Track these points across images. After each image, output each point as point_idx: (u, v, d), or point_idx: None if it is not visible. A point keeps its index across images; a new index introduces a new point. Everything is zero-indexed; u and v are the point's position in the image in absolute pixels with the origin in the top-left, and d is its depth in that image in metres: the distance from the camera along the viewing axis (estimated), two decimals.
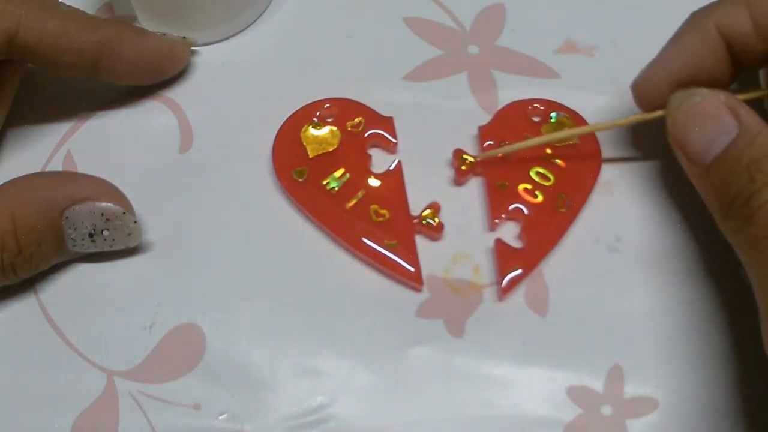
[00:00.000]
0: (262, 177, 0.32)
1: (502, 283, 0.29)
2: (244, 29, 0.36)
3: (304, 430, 0.27)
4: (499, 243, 0.30)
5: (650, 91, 0.29)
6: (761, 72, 0.31)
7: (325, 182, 0.31)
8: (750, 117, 0.25)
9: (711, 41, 0.28)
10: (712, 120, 0.26)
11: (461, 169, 0.31)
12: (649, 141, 0.32)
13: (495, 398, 0.28)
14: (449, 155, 0.32)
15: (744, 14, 0.27)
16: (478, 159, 0.31)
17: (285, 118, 0.32)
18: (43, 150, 0.33)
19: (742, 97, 0.27)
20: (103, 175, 0.30)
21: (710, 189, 0.26)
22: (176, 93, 0.34)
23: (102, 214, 0.28)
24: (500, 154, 0.31)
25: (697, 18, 0.28)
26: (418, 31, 0.35)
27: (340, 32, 0.36)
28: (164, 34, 0.33)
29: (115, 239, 0.29)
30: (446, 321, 0.29)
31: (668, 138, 0.27)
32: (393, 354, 0.29)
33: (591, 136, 0.32)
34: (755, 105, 0.27)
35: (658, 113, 0.28)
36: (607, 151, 0.32)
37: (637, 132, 0.33)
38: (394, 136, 0.32)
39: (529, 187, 0.31)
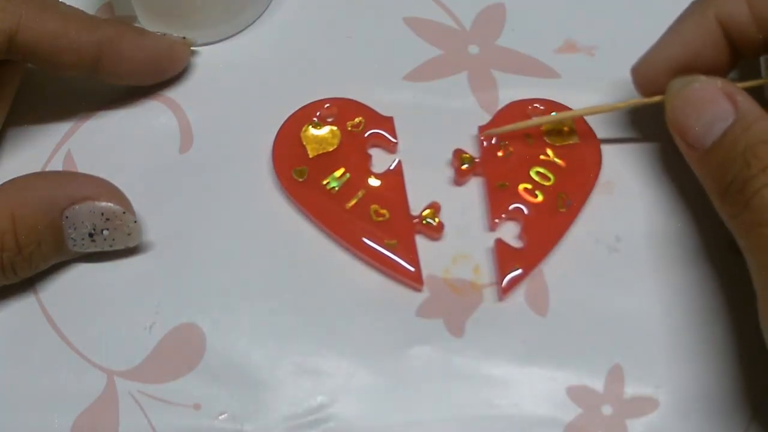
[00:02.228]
0: (262, 177, 0.32)
1: (502, 283, 0.29)
2: (244, 29, 0.36)
3: (304, 430, 0.27)
4: (499, 243, 0.30)
5: (649, 76, 0.29)
6: (762, 60, 0.31)
7: (325, 182, 0.31)
8: (747, 103, 0.25)
9: (710, 29, 0.28)
10: (710, 106, 0.26)
11: (461, 169, 0.31)
12: (650, 141, 0.32)
13: (495, 398, 0.28)
14: (449, 155, 0.32)
15: (743, 4, 0.28)
16: (483, 136, 0.31)
17: (285, 118, 0.32)
18: (43, 150, 0.33)
19: (741, 85, 0.27)
20: (103, 175, 0.30)
21: (708, 174, 0.26)
22: (176, 93, 0.34)
23: (102, 214, 0.28)
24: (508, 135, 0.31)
25: (696, 6, 0.29)
26: (418, 31, 0.35)
27: (340, 32, 0.36)
28: (164, 34, 0.33)
29: (115, 239, 0.29)
30: (446, 321, 0.29)
31: (667, 123, 0.28)
32: (393, 354, 0.29)
33: (591, 136, 0.32)
34: (756, 94, 0.27)
35: (657, 98, 0.29)
36: (607, 151, 0.32)
37: (637, 132, 0.33)
38: (394, 136, 0.32)
39: (529, 187, 0.31)
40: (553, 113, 0.32)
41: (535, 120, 0.31)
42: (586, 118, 0.32)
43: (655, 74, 0.29)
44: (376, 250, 0.30)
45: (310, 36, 0.36)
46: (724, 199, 0.25)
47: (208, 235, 0.31)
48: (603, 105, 0.32)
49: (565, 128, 0.32)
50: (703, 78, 0.27)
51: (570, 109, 0.32)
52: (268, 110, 0.33)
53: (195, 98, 0.34)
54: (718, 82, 0.26)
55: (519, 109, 0.33)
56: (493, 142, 0.32)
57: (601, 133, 0.32)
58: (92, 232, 0.29)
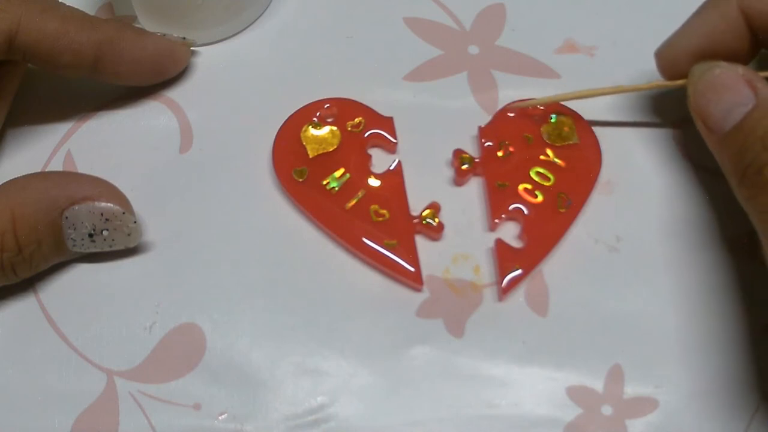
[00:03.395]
0: (262, 177, 0.32)
1: (502, 283, 0.29)
2: (244, 29, 0.36)
3: (304, 430, 0.27)
4: (499, 243, 0.30)
5: (673, 60, 0.30)
6: None
7: (325, 182, 0.31)
8: (767, 90, 0.26)
9: (732, 18, 0.28)
10: (730, 91, 0.27)
11: (461, 169, 0.31)
12: (650, 141, 0.33)
13: (495, 398, 0.28)
14: (449, 155, 0.32)
15: None
16: (511, 108, 0.32)
17: (285, 118, 0.32)
18: (43, 150, 0.33)
19: (762, 74, 0.27)
20: (103, 175, 0.30)
21: (727, 157, 0.27)
22: (176, 93, 0.34)
23: (101, 214, 0.28)
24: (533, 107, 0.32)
25: None
26: (418, 31, 0.35)
27: (340, 32, 0.36)
28: (164, 35, 0.33)
29: (114, 239, 0.29)
30: (446, 321, 0.29)
31: (689, 106, 0.28)
32: (393, 354, 0.29)
33: (591, 136, 0.32)
34: None
35: (680, 82, 0.30)
36: (607, 151, 0.32)
37: (637, 132, 0.33)
38: (394, 136, 0.32)
39: (529, 187, 0.31)
40: (574, 92, 0.32)
41: (568, 94, 0.31)
42: (585, 118, 0.32)
43: (678, 59, 0.30)
44: (376, 250, 0.30)
45: (311, 36, 0.36)
46: (742, 182, 0.26)
47: (208, 235, 0.31)
48: (627, 85, 0.32)
49: (565, 128, 0.32)
50: (724, 64, 0.27)
51: (569, 108, 0.32)
52: (268, 110, 0.33)
53: (195, 98, 0.34)
54: (739, 69, 0.27)
55: (519, 108, 0.32)
56: (492, 143, 0.32)
57: (601, 133, 0.32)
58: (92, 232, 0.29)
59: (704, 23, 0.29)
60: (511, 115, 0.32)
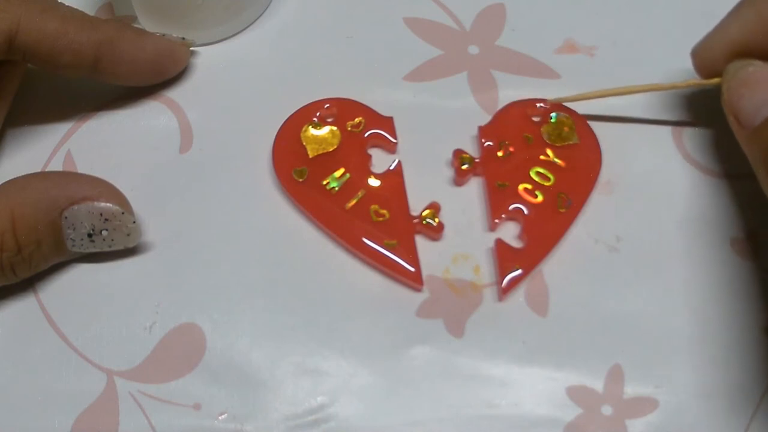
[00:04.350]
0: (262, 177, 0.32)
1: (502, 283, 0.29)
2: (243, 29, 0.36)
3: (304, 430, 0.27)
4: (499, 243, 0.30)
5: (708, 59, 0.30)
6: None
7: (325, 182, 0.31)
8: None
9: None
10: (762, 87, 0.27)
11: (461, 169, 0.31)
12: (650, 141, 0.32)
13: (495, 398, 0.28)
14: (449, 155, 0.32)
15: None
16: (549, 104, 0.32)
17: (285, 118, 0.32)
18: (43, 150, 0.33)
19: None
20: (103, 175, 0.29)
21: (754, 151, 0.27)
22: (176, 93, 0.34)
23: (101, 214, 0.28)
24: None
25: None
26: (418, 31, 0.35)
27: (340, 32, 0.36)
28: (164, 35, 0.33)
29: (114, 239, 0.29)
30: (446, 321, 0.29)
31: (722, 103, 0.29)
32: (393, 354, 0.29)
33: (591, 136, 0.32)
34: None
35: (715, 80, 0.30)
36: (607, 151, 0.32)
37: (638, 131, 0.33)
38: (394, 136, 0.32)
39: (529, 187, 0.31)
40: (622, 87, 0.32)
41: (607, 90, 0.31)
42: (585, 118, 0.32)
43: (713, 58, 0.30)
44: (376, 250, 0.30)
45: (311, 36, 0.36)
46: None
47: (208, 235, 0.31)
48: (662, 84, 0.32)
49: (565, 128, 0.32)
50: (759, 62, 0.28)
51: (569, 108, 0.32)
52: (268, 110, 0.33)
53: (195, 98, 0.34)
54: None
55: (519, 109, 0.32)
56: (492, 143, 0.32)
57: (601, 133, 0.32)
58: (91, 232, 0.29)
59: (740, 22, 0.29)
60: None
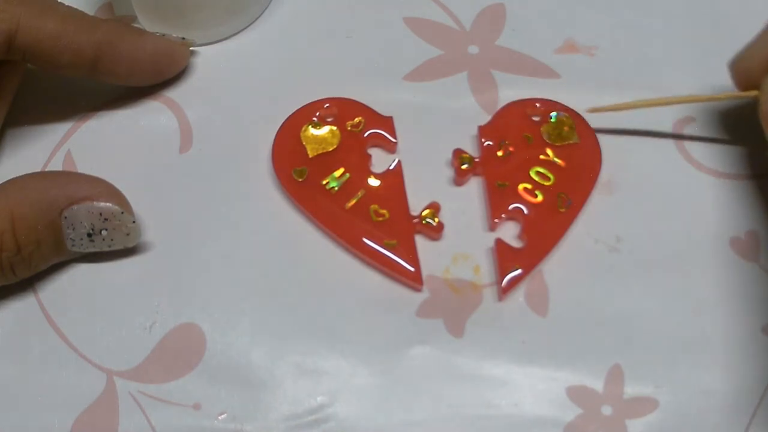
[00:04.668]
0: (262, 177, 0.32)
1: (502, 283, 0.29)
2: (243, 29, 0.36)
3: (304, 430, 0.27)
4: (499, 243, 0.30)
5: (746, 71, 0.30)
6: None
7: (325, 182, 0.31)
8: None
9: None
10: None
11: (461, 169, 0.31)
12: (650, 141, 0.32)
13: (495, 398, 0.28)
14: (449, 155, 0.32)
15: None
16: (589, 112, 0.32)
17: (285, 118, 0.32)
18: (43, 150, 0.33)
19: None
20: (103, 175, 0.29)
21: None
22: (176, 93, 0.34)
23: (100, 214, 0.28)
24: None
25: None
26: (418, 31, 0.35)
27: (340, 32, 0.36)
28: (164, 35, 0.33)
29: (113, 239, 0.29)
30: (446, 321, 0.29)
31: (759, 116, 0.28)
32: (393, 354, 0.29)
33: (591, 136, 0.32)
34: None
35: (753, 93, 0.29)
36: (607, 151, 0.32)
37: (637, 132, 0.33)
38: (394, 136, 0.32)
39: (529, 187, 0.31)
40: (656, 98, 0.32)
41: (644, 101, 0.31)
42: (585, 117, 0.32)
43: (751, 70, 0.30)
44: (376, 250, 0.30)
45: (310, 36, 0.36)
46: None
47: (207, 235, 0.31)
48: (700, 95, 0.32)
49: (565, 128, 0.32)
50: None
51: (569, 108, 0.32)
52: (268, 110, 0.33)
53: (195, 98, 0.34)
54: None
55: (519, 109, 0.32)
56: (492, 143, 0.32)
57: (601, 133, 0.32)
58: (91, 232, 0.29)
59: None
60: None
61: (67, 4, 0.31)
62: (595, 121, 0.32)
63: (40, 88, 0.34)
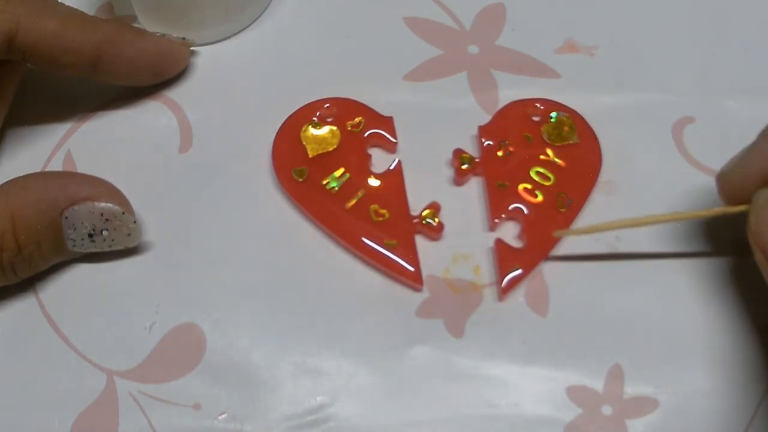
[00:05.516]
0: (262, 177, 0.32)
1: (502, 283, 0.29)
2: (244, 29, 0.36)
3: (304, 430, 0.27)
4: (499, 243, 0.30)
5: (735, 184, 0.27)
6: None
7: (325, 182, 0.31)
8: None
9: None
10: None
11: (461, 169, 0.31)
12: (650, 141, 0.32)
13: (495, 398, 0.28)
14: (449, 155, 0.32)
15: None
16: (555, 236, 0.30)
17: (285, 118, 0.32)
18: (43, 150, 0.33)
19: None
20: (103, 175, 0.29)
21: None
22: (176, 93, 0.34)
23: (101, 214, 0.28)
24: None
25: None
26: (418, 31, 0.35)
27: (340, 32, 0.36)
28: (164, 35, 0.33)
29: (114, 239, 0.29)
30: (446, 321, 0.29)
31: (748, 234, 0.26)
32: (393, 354, 0.29)
33: (591, 136, 0.32)
34: None
35: (742, 207, 0.27)
36: (607, 151, 0.32)
37: (637, 132, 0.33)
38: (394, 136, 0.32)
39: (529, 187, 0.31)
40: (639, 217, 0.29)
41: (626, 220, 0.29)
42: (585, 117, 0.32)
43: (740, 183, 0.27)
44: (376, 250, 0.30)
45: (310, 36, 0.36)
46: None
47: (208, 235, 0.31)
48: (683, 212, 0.30)
49: (565, 128, 0.32)
50: None
51: (569, 108, 0.32)
52: (268, 110, 0.33)
53: (195, 98, 0.34)
54: None
55: (519, 109, 0.33)
56: (492, 143, 0.32)
57: (601, 133, 0.32)
58: (92, 232, 0.29)
59: None
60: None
61: (67, 4, 0.31)
62: (595, 121, 0.32)
63: (40, 88, 0.34)
